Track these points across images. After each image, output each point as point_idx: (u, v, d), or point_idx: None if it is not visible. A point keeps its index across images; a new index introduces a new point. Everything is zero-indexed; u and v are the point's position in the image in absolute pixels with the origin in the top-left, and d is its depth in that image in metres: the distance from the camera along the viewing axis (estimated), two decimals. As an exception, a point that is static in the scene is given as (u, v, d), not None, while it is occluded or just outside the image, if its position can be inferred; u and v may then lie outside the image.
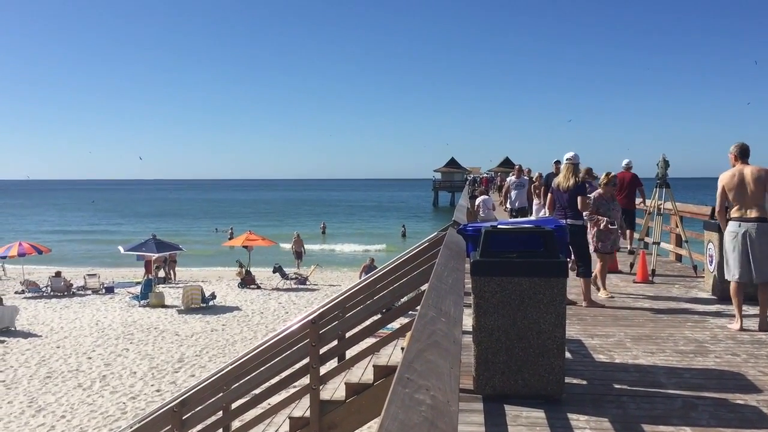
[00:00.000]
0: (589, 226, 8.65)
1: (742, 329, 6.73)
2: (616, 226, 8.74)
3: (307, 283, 27.77)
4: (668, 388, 4.93)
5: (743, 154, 6.94)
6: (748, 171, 6.79)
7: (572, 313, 7.54)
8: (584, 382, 5.05)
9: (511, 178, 15.49)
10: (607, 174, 8.92)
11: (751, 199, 6.76)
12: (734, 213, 6.90)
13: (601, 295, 8.54)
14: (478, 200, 15.87)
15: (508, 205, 15.34)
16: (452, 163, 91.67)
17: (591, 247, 8.62)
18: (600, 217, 8.69)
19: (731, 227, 6.90)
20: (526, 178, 15.38)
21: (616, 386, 4.96)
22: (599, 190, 8.92)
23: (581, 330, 6.77)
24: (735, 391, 4.82)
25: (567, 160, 8.50)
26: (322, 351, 7.18)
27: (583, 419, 4.22)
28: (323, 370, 7.26)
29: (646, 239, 11.16)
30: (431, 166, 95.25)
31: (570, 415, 4.27)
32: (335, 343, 7.87)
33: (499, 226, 4.99)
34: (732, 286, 6.98)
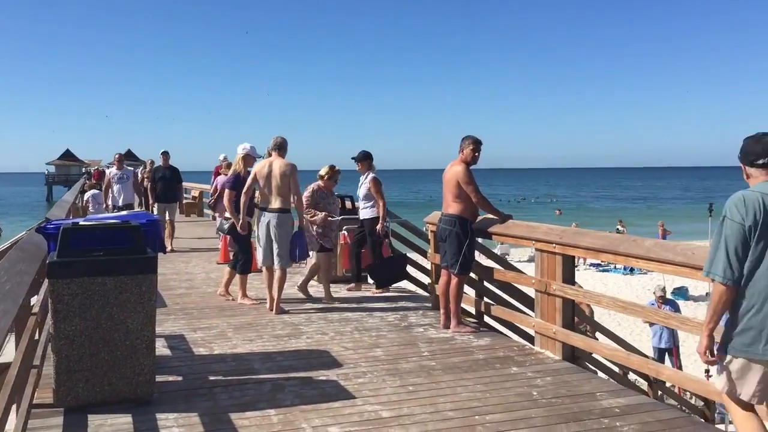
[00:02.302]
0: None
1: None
2: (336, 219, 8.24)
3: None
4: (261, 373, 5.12)
5: (278, 147, 7.37)
6: (276, 164, 7.24)
7: (179, 308, 7.47)
8: (180, 378, 4.97)
9: (112, 170, 13.14)
10: (332, 167, 8.27)
11: (276, 189, 7.20)
12: (261, 203, 7.39)
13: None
14: (86, 195, 14.75)
15: (110, 202, 13.00)
16: (68, 155, 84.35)
17: (317, 245, 8.06)
18: (317, 212, 8.02)
19: (259, 216, 7.37)
20: (131, 169, 13.62)
21: (211, 378, 4.98)
22: (319, 182, 8.26)
23: (186, 324, 6.71)
24: (320, 368, 5.22)
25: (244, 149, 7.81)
26: None
27: (172, 417, 4.13)
28: None
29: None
30: (44, 159, 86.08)
31: (159, 415, 4.15)
32: None
33: (81, 223, 4.62)
34: (264, 272, 7.48)
